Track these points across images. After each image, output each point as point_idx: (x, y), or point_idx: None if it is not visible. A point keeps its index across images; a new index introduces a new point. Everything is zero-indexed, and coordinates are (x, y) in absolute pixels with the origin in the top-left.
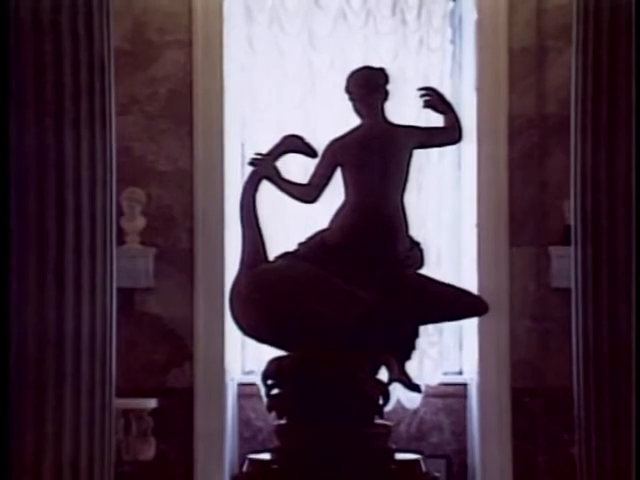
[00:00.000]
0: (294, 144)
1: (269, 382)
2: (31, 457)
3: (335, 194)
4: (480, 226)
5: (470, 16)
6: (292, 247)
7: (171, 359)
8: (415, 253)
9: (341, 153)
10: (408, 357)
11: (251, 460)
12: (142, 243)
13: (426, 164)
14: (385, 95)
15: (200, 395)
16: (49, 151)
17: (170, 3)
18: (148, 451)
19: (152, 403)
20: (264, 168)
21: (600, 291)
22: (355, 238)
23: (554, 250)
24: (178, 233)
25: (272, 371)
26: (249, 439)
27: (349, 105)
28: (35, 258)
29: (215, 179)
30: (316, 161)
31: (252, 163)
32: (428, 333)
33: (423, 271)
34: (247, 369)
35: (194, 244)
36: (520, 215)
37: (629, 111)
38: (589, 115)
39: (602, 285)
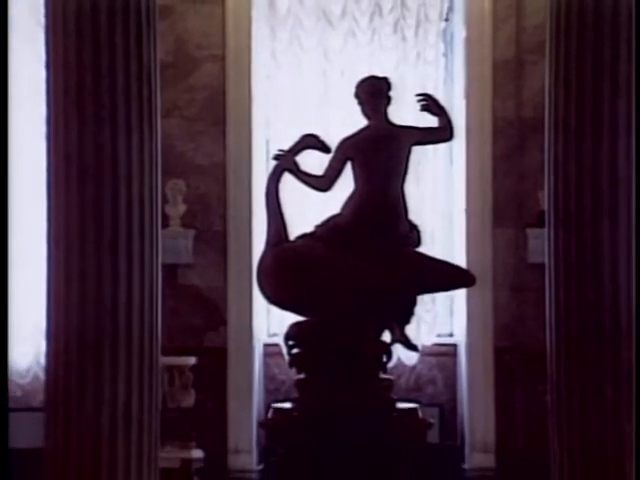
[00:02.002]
0: (311, 142)
1: (290, 343)
2: (91, 406)
3: (346, 184)
4: (468, 211)
5: (460, 34)
6: (310, 229)
7: (208, 323)
8: (414, 234)
9: (351, 149)
10: (407, 322)
11: (275, 408)
12: (183, 226)
13: (423, 159)
14: (388, 100)
15: (232, 354)
16: (105, 148)
17: (206, 24)
18: (189, 400)
19: (192, 360)
20: (286, 162)
21: (569, 265)
22: (363, 221)
23: (530, 231)
24: (213, 217)
25: (293, 333)
26: (273, 391)
27: (358, 109)
28: (93, 238)
29: (244, 171)
30: (330, 156)
31: (275, 158)
32: (424, 301)
33: (420, 249)
34: (271, 332)
35: (226, 227)
36: (502, 202)
37: (595, 114)
38: (560, 118)
39: (571, 260)
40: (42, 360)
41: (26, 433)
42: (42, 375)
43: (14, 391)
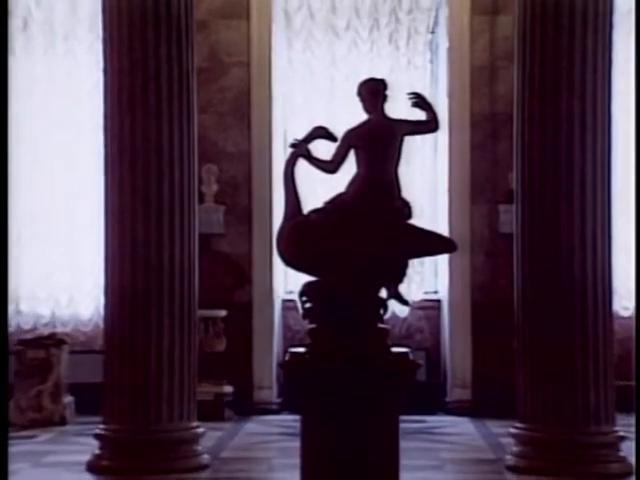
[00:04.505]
0: (321, 132)
1: (304, 299)
2: (141, 349)
3: (349, 168)
4: (450, 190)
5: (444, 44)
6: (320, 205)
7: (236, 282)
8: (406, 209)
9: (354, 139)
10: (400, 281)
11: (291, 352)
12: (215, 202)
13: (413, 147)
14: (385, 98)
15: (256, 308)
16: (151, 138)
17: (235, 35)
18: (220, 345)
19: (223, 313)
20: (300, 149)
21: (533, 235)
22: (364, 198)
23: (502, 207)
24: (240, 195)
25: (306, 291)
26: (290, 338)
27: (360, 105)
28: (142, 212)
29: (266, 158)
30: (336, 145)
31: (292, 146)
32: (414, 264)
33: (411, 221)
34: (288, 289)
35: (251, 203)
36: (478, 183)
37: (554, 110)
38: (526, 113)
39: (535, 231)
40: (101, 311)
41: (89, 371)
42: (101, 324)
43: (78, 337)
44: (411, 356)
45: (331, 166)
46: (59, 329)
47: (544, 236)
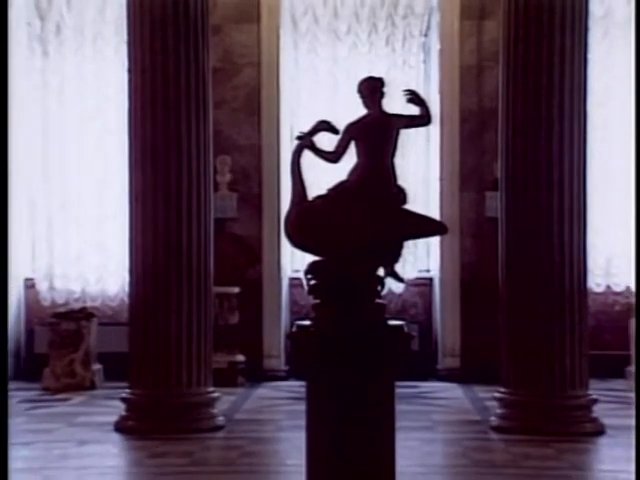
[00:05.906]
0: (324, 126)
1: (309, 277)
2: (163, 322)
3: (350, 158)
4: (441, 178)
5: (435, 46)
6: (324, 192)
7: (247, 262)
8: (401, 195)
9: (355, 132)
10: (396, 261)
11: (297, 325)
12: (229, 190)
13: (408, 139)
14: (382, 95)
15: (266, 285)
16: (171, 132)
17: (246, 38)
18: (234, 319)
19: (236, 289)
20: (305, 141)
21: (516, 219)
22: (364, 186)
23: (488, 194)
24: (251, 184)
25: (311, 269)
26: (296, 312)
27: (359, 101)
28: (162, 199)
29: (274, 149)
30: (338, 137)
31: (298, 138)
32: (408, 245)
33: (406, 207)
34: (295, 268)
35: (262, 190)
36: (466, 171)
37: (535, 106)
38: (510, 109)
39: (518, 215)
40: (126, 288)
41: (115, 341)
42: (126, 299)
43: (106, 311)
44: (406, 328)
45: (333, 156)
46: (89, 304)
47: (526, 220)
